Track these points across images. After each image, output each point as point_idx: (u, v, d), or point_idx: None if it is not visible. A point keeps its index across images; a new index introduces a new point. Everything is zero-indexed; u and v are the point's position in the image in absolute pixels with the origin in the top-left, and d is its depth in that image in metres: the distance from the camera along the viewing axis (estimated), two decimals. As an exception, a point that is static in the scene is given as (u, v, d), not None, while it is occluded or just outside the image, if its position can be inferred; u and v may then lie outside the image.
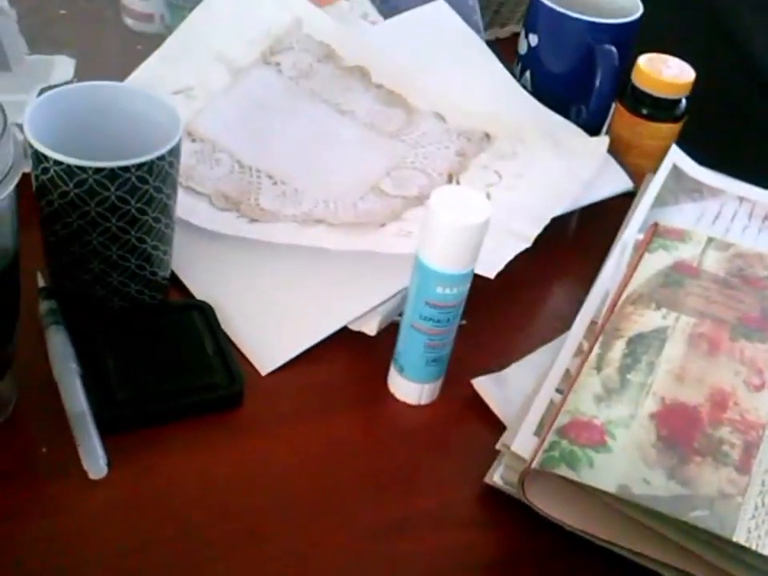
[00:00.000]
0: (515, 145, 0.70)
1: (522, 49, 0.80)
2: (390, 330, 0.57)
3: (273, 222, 0.63)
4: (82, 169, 0.50)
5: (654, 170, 0.73)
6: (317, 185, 0.67)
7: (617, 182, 0.71)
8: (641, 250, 0.62)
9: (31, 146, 0.51)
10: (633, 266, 0.60)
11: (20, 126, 0.52)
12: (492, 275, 0.57)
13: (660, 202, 0.70)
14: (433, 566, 0.49)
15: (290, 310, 0.60)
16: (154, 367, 0.54)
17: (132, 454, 0.51)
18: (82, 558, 0.46)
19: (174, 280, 0.61)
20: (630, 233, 0.66)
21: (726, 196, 0.73)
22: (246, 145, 0.69)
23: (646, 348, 0.54)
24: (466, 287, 0.52)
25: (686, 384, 0.52)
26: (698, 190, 0.73)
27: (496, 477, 0.51)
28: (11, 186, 0.43)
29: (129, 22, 0.82)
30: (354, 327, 0.59)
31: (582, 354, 0.56)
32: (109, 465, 0.49)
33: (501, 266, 0.57)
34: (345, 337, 0.59)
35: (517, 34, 0.83)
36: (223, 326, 0.57)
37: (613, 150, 0.72)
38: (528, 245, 0.60)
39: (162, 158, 0.52)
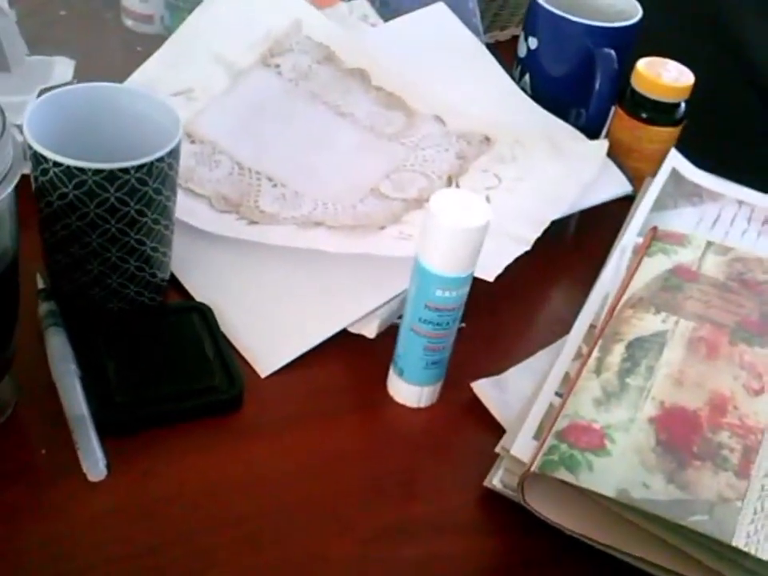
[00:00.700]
0: (515, 148, 0.70)
1: (522, 52, 0.80)
2: (390, 333, 0.57)
3: (272, 225, 0.63)
4: (82, 170, 0.50)
5: (653, 174, 0.73)
6: (316, 187, 0.67)
7: (616, 185, 0.71)
8: (640, 253, 0.62)
9: (30, 147, 0.51)
10: (632, 270, 0.60)
11: (19, 127, 0.52)
12: (491, 278, 0.57)
13: (659, 205, 0.70)
14: (432, 571, 0.49)
15: (289, 312, 0.60)
16: (153, 369, 0.54)
17: (131, 456, 0.51)
18: (80, 561, 0.46)
19: (173, 282, 0.61)
20: (630, 236, 0.66)
21: (725, 200, 0.73)
22: (246, 147, 0.69)
23: (645, 352, 0.54)
24: (465, 290, 0.52)
25: (686, 388, 0.52)
26: (697, 194, 0.73)
27: (495, 480, 0.51)
28: (10, 188, 0.43)
29: (129, 23, 0.82)
30: (354, 330, 0.59)
31: (581, 357, 0.56)
32: (108, 467, 0.49)
33: (500, 270, 0.57)
34: (344, 339, 0.59)
35: (516, 37, 0.83)
36: (222, 328, 0.57)
37: (612, 154, 0.72)
38: (527, 248, 0.60)
39: (161, 159, 0.51)
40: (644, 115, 0.74)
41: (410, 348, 0.54)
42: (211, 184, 0.66)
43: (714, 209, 0.72)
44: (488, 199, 0.65)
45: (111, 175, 0.50)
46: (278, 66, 0.74)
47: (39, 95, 0.63)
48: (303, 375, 0.57)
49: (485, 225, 0.49)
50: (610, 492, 0.46)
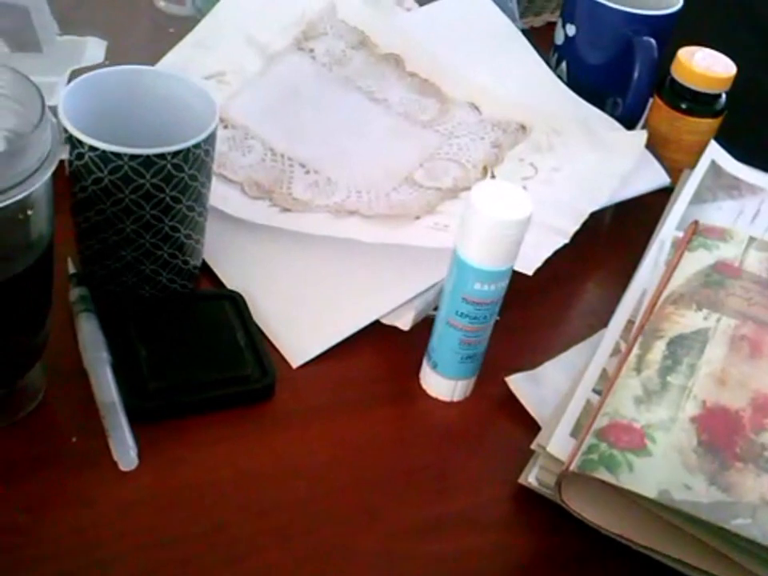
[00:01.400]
0: (551, 137, 0.69)
1: (559, 39, 0.79)
2: (423, 325, 0.56)
3: (305, 212, 0.62)
4: (118, 155, 0.49)
5: (692, 166, 0.72)
6: (349, 174, 0.66)
7: (654, 177, 0.70)
8: (681, 248, 0.60)
9: (66, 131, 0.50)
10: (672, 265, 0.59)
11: (52, 109, 0.52)
12: (531, 272, 0.56)
13: (698, 198, 0.69)
14: (464, 567, 0.48)
15: (322, 301, 0.59)
16: (185, 357, 0.53)
17: (161, 444, 0.50)
18: (108, 549, 0.46)
19: (205, 269, 0.60)
20: (668, 230, 0.65)
21: (764, 193, 0.71)
22: (278, 132, 0.68)
23: (686, 350, 0.52)
24: (504, 284, 0.51)
25: (728, 387, 0.51)
26: (736, 187, 0.71)
27: (531, 478, 0.50)
28: (49, 172, 0.42)
29: (161, 4, 0.81)
30: (387, 321, 0.58)
31: (619, 353, 0.55)
32: (138, 455, 0.48)
33: (540, 263, 0.56)
34: (377, 330, 0.58)
35: (551, 24, 0.82)
36: (254, 317, 0.57)
37: (649, 145, 0.70)
38: (566, 240, 0.59)
39: (198, 145, 0.51)
40: (684, 106, 0.72)
41: (445, 341, 0.53)
42: (243, 170, 0.65)
43: (753, 202, 0.70)
44: (524, 189, 0.63)
45: (148, 161, 0.49)
46: (311, 50, 0.73)
47: (71, 76, 0.63)
48: (335, 366, 0.56)
49: (526, 218, 0.48)
50: (651, 493, 0.45)
